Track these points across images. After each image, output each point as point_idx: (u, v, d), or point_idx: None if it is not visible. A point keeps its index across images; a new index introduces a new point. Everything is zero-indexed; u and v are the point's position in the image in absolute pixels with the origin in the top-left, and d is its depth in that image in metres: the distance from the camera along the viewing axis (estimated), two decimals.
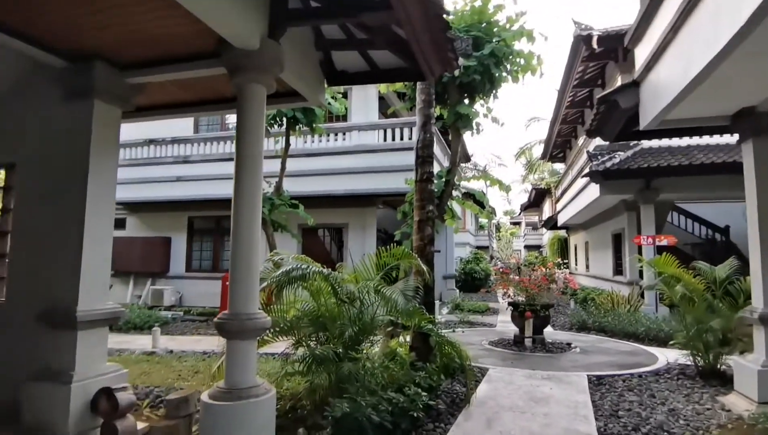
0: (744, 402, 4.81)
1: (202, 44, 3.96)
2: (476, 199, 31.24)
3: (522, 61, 7.64)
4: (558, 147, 24.68)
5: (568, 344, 8.50)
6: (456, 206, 14.52)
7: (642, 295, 11.44)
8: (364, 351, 5.34)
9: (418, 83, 6.37)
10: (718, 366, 6.21)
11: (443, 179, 7.97)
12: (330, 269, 4.73)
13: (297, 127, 9.44)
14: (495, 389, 5.69)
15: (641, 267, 11.80)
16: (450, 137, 8.30)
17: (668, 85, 4.88)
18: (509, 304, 8.63)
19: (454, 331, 10.12)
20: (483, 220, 39.69)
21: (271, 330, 4.80)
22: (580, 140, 17.40)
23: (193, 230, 14.55)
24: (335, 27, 4.65)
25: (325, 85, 5.27)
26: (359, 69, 5.21)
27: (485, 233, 41.55)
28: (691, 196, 12.44)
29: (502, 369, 6.65)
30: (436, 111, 8.40)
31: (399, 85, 8.28)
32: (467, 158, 23.34)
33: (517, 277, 8.69)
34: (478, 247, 35.19)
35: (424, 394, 4.46)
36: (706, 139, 11.06)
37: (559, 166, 29.86)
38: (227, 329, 3.67)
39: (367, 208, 12.73)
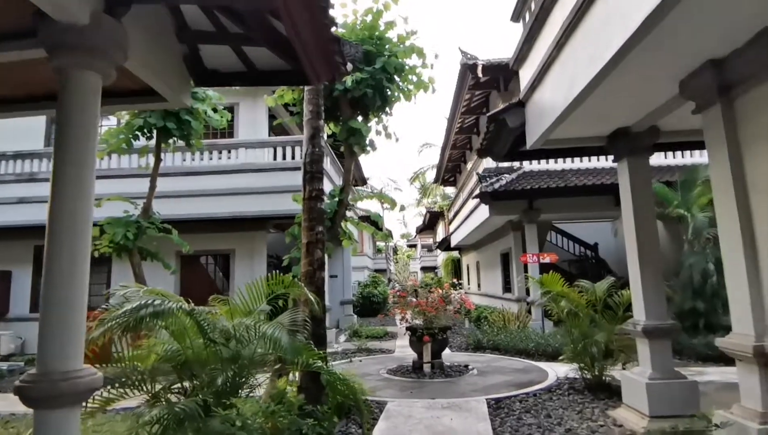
0: (634, 416, 4.88)
1: (12, 19, 3.02)
2: (372, 221, 31.25)
3: (414, 78, 7.55)
4: (449, 171, 25.82)
5: (466, 366, 8.36)
6: (352, 228, 14.11)
7: (529, 311, 11.95)
8: (245, 397, 4.51)
9: (306, 92, 5.85)
10: (604, 378, 6.41)
11: (336, 199, 7.47)
12: (193, 305, 3.87)
13: (171, 140, 8.30)
14: (394, 426, 5.17)
15: (528, 284, 12.39)
16: (343, 155, 7.87)
17: (552, 105, 4.96)
18: (407, 328, 8.29)
19: (351, 361, 9.52)
20: (381, 244, 40.06)
21: (118, 384, 3.81)
22: (469, 164, 18.22)
23: (41, 262, 12.14)
24: (203, 16, 3.95)
25: (191, 85, 4.48)
26: (233, 69, 4.53)
27: (383, 256, 41.93)
28: (566, 216, 13.50)
29: (401, 401, 6.18)
30: (329, 128, 7.96)
31: (288, 98, 7.68)
32: (363, 181, 23.28)
33: (414, 300, 8.41)
34: (376, 271, 35.20)
35: None
36: (577, 164, 12.10)
37: (451, 191, 31.31)
38: (32, 396, 2.66)
39: (257, 232, 11.72)
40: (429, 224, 41.97)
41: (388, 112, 7.74)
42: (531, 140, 5.69)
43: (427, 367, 7.86)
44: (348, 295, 16.32)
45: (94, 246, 8.01)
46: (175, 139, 8.29)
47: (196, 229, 11.58)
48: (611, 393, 6.16)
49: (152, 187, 8.35)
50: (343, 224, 7.76)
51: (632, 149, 5.34)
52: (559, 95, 4.65)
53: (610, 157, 12.07)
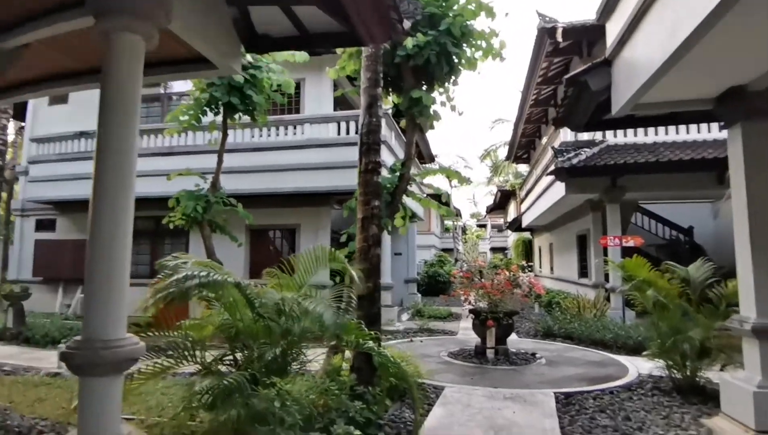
0: (737, 429, 4.15)
1: None
2: (441, 200, 30.76)
3: (483, 44, 6.92)
4: (522, 147, 24.41)
5: (533, 355, 7.80)
6: (413, 204, 13.75)
7: (608, 299, 10.96)
8: (295, 372, 4.43)
9: (364, 59, 5.51)
10: (697, 380, 5.60)
11: (396, 173, 7.14)
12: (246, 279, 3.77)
13: (236, 116, 8.38)
14: (450, 415, 4.85)
15: (607, 269, 11.35)
16: (405, 127, 7.48)
17: (647, 59, 4.19)
18: (470, 311, 7.86)
19: (411, 340, 9.31)
20: (449, 222, 39.33)
21: (172, 354, 3.84)
22: (544, 139, 16.99)
23: None
24: None
25: (242, 51, 4.31)
26: (285, 33, 4.30)
27: (451, 235, 41.20)
28: (656, 196, 12.11)
29: (460, 388, 5.83)
30: (392, 98, 7.58)
31: (350, 69, 7.39)
32: (431, 158, 22.73)
33: (479, 282, 7.93)
34: (443, 250, 34.72)
35: (356, 433, 3.56)
36: (672, 136, 10.71)
37: (524, 169, 29.76)
38: (76, 362, 2.67)
39: (321, 207, 11.76)
40: (500, 204, 40.44)
41: (455, 81, 7.21)
42: (618, 105, 4.91)
43: (490, 353, 7.42)
44: (412, 273, 16.09)
45: (168, 218, 8.43)
46: (240, 114, 8.36)
47: (264, 204, 11.86)
48: (706, 398, 5.36)
49: (219, 162, 8.54)
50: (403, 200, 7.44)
51: (748, 112, 4.41)
52: (657, 46, 3.88)
53: (713, 128, 10.62)
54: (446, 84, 7.25)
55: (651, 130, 10.81)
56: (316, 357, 4.82)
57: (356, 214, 5.35)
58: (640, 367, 6.91)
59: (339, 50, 7.17)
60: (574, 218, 14.53)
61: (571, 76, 5.15)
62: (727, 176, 9.10)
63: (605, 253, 11.69)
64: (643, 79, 4.30)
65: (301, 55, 8.84)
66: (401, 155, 11.93)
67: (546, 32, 11.91)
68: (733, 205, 4.66)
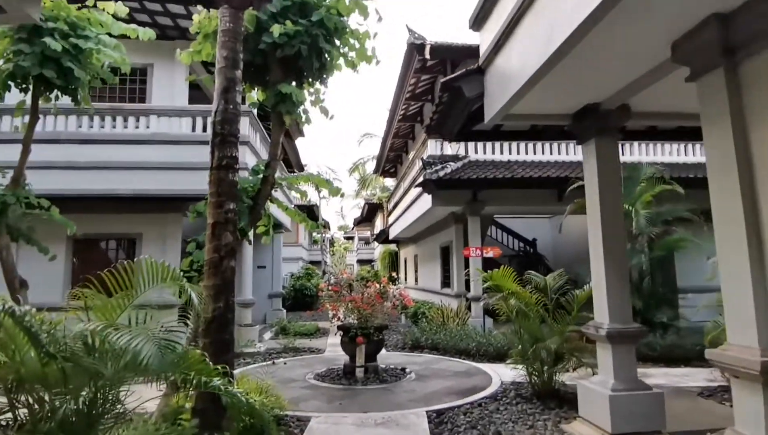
0: (594, 432, 4.26)
1: None
2: (312, 212, 29.86)
3: (356, 44, 6.53)
4: (390, 162, 25.10)
5: (403, 369, 7.55)
6: (281, 214, 12.83)
7: (469, 308, 11.42)
8: (116, 421, 3.35)
9: (220, 33, 4.64)
10: (553, 384, 5.82)
11: (260, 175, 6.30)
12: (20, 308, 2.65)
13: (53, 95, 6.64)
14: None
15: (476, 279, 11.88)
16: (271, 127, 6.70)
17: (519, 68, 4.17)
18: (338, 327, 7.31)
19: (273, 362, 8.39)
20: (317, 235, 38.71)
21: None
22: (411, 154, 17.52)
23: None
24: None
25: None
26: None
27: (320, 247, 40.60)
28: (509, 210, 13.14)
29: (327, 417, 5.20)
30: (256, 95, 6.76)
31: (206, 53, 6.36)
32: (300, 167, 21.96)
33: (348, 295, 7.44)
34: (311, 262, 33.92)
35: None
36: (523, 156, 11.70)
37: (391, 184, 30.64)
38: None
39: (170, 214, 10.16)
40: (367, 216, 41.23)
41: (325, 80, 6.67)
42: (490, 114, 4.89)
43: (360, 372, 6.94)
44: (277, 287, 15.05)
45: None
46: (59, 93, 6.66)
47: (95, 209, 9.84)
48: (561, 401, 5.58)
49: (26, 151, 6.62)
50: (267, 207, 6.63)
51: (601, 129, 4.70)
52: (531, 53, 3.85)
53: (555, 151, 11.85)
54: (316, 82, 6.69)
55: (506, 148, 11.70)
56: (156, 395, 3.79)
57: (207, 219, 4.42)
58: (502, 374, 7.09)
59: (193, 29, 6.16)
60: (439, 230, 15.10)
61: (446, 80, 5.01)
62: (566, 194, 10.15)
63: (466, 264, 12.24)
64: (514, 88, 4.27)
65: (146, 32, 7.45)
66: (261, 152, 10.98)
67: (415, 48, 12.19)
68: (588, 216, 4.90)
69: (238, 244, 5.83)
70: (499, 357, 8.30)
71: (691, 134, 5.85)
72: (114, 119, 9.64)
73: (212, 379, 3.31)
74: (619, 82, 4.31)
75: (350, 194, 44.03)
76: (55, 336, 2.95)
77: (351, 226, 54.95)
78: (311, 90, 6.67)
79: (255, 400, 4.03)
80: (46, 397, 3.03)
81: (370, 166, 33.71)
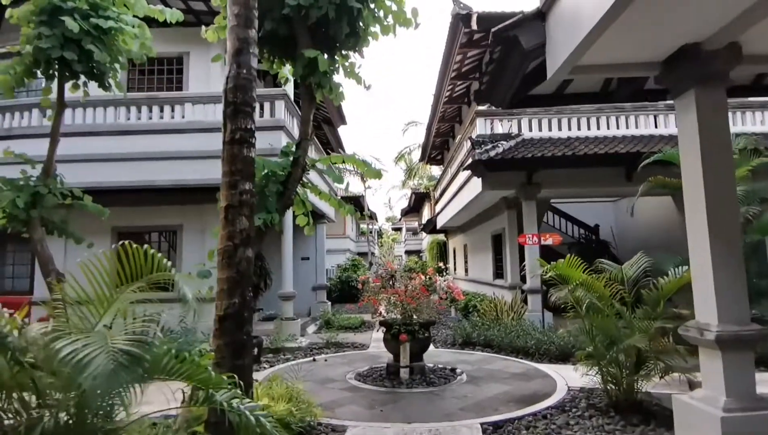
0: None
1: None
2: (356, 203, 29.57)
3: (393, 6, 5.76)
4: (436, 148, 24.12)
5: (453, 370, 6.79)
6: (322, 204, 12.31)
7: (525, 301, 10.42)
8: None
9: None
10: (636, 395, 4.86)
11: (289, 157, 5.72)
12: None
13: (80, 83, 6.38)
14: None
15: (523, 268, 10.85)
16: (301, 102, 6.11)
17: (591, 5, 3.26)
18: (380, 323, 6.66)
19: (314, 359, 7.91)
20: (364, 226, 38.41)
21: None
22: (458, 138, 16.50)
23: None
24: None
25: None
26: None
27: (368, 239, 40.30)
28: (568, 193, 11.92)
29: (366, 427, 4.55)
30: (288, 70, 6.18)
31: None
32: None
33: (390, 288, 6.76)
34: (359, 254, 33.66)
35: None
36: (584, 132, 10.48)
37: (437, 173, 29.63)
38: None
39: (208, 204, 9.86)
40: (414, 206, 40.44)
41: (360, 48, 5.97)
42: (554, 66, 3.99)
43: (404, 373, 6.25)
44: (321, 279, 14.64)
45: None
46: (86, 79, 6.39)
47: (135, 201, 9.76)
48: (646, 416, 4.63)
49: (53, 141, 6.45)
50: (301, 192, 6.05)
51: (703, 76, 3.68)
52: None
53: (623, 124, 10.53)
54: (350, 52, 6.00)
55: (565, 124, 10.53)
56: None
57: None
58: (567, 378, 6.18)
59: (216, 1, 5.68)
60: (489, 218, 14.09)
61: (498, 29, 4.14)
62: (638, 171, 8.92)
63: (521, 253, 11.22)
64: (585, 30, 3.37)
65: (174, 14, 7.09)
66: (293, 131, 10.35)
67: (460, 19, 11.20)
68: (686, 192, 3.91)
69: (264, 233, 5.28)
70: (562, 357, 7.35)
71: None
72: (150, 109, 9.45)
73: (218, 391, 2.75)
74: (728, 11, 3.29)
75: (397, 185, 43.44)
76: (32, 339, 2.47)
77: (398, 217, 54.32)
78: (346, 63, 6.01)
79: (273, 414, 3.42)
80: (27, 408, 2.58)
81: (416, 155, 32.83)
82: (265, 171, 5.62)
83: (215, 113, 9.39)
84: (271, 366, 7.50)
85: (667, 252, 10.03)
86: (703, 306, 3.68)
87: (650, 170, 8.57)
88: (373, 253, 39.57)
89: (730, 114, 10.46)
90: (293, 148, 5.74)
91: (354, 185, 35.01)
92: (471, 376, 6.57)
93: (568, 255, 5.25)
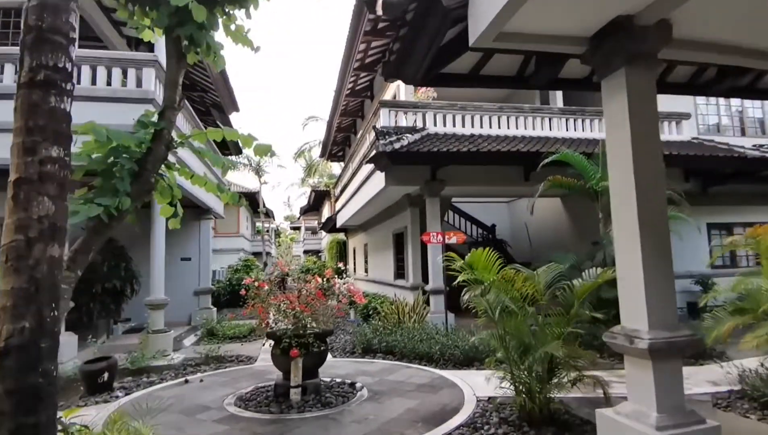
0: None
1: None
2: (251, 200, 27.51)
3: None
4: (337, 144, 23.32)
5: (352, 385, 5.99)
6: (202, 193, 10.73)
7: (428, 302, 10.03)
8: None
9: None
10: (550, 406, 4.48)
11: (150, 130, 4.44)
12: None
13: None
14: None
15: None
16: (166, 59, 4.83)
17: None
18: (267, 335, 5.62)
19: (187, 381, 6.59)
20: (259, 225, 36.24)
21: None
22: (360, 133, 15.85)
23: None
24: None
25: None
26: None
27: (267, 238, 38.10)
28: (471, 191, 11.85)
29: None
30: (144, 20, 4.84)
31: None
32: (238, 150, 19.69)
33: (280, 293, 5.74)
34: (255, 254, 31.55)
35: None
36: (486, 130, 10.41)
37: (338, 171, 28.84)
38: None
39: None
40: (314, 205, 39.22)
41: (247, 3, 4.88)
42: (477, 31, 3.37)
43: (295, 393, 5.29)
44: (205, 282, 12.95)
45: None
46: None
47: None
48: (561, 428, 4.26)
49: None
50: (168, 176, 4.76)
51: (634, 54, 3.31)
52: None
53: (522, 125, 10.66)
54: (234, 8, 4.88)
55: (468, 121, 10.36)
56: None
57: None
58: (475, 386, 5.72)
59: None
60: (391, 216, 13.62)
61: None
62: (537, 170, 8.96)
63: (423, 252, 10.86)
64: None
65: None
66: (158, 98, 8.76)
67: (365, 3, 10.47)
68: (613, 183, 3.53)
69: (107, 226, 3.99)
70: (467, 362, 6.96)
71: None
72: None
73: None
74: None
75: (296, 182, 41.89)
76: None
77: (297, 215, 52.57)
78: (231, 25, 4.88)
79: None
80: None
81: (316, 152, 31.70)
82: (114, 143, 4.28)
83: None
84: (127, 394, 6.03)
85: (559, 250, 10.42)
86: (631, 310, 3.31)
87: (546, 171, 8.67)
88: (269, 253, 37.53)
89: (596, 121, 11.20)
90: (154, 118, 4.48)
91: (249, 181, 32.75)
92: (372, 390, 5.82)
93: (480, 249, 4.72)
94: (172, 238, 12.52)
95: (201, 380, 6.64)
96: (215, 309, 13.02)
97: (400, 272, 13.00)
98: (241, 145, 4.71)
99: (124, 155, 4.21)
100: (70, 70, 2.65)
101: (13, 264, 2.32)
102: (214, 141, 13.11)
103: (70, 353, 7.67)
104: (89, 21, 9.05)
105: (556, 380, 4.53)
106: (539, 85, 4.82)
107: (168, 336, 8.25)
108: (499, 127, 10.45)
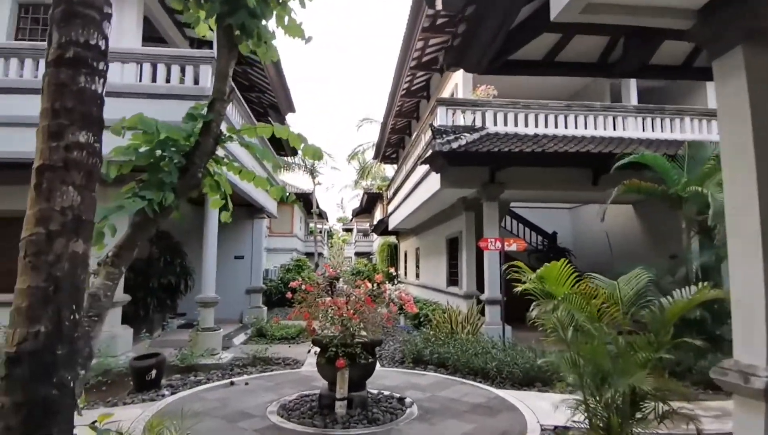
0: None
1: None
2: (304, 199, 27.75)
3: None
4: (391, 146, 23.06)
5: (401, 400, 5.56)
6: (261, 195, 10.72)
7: (482, 312, 9.41)
8: None
9: None
10: None
11: (197, 123, 4.25)
12: None
13: None
14: None
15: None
16: (216, 49, 4.65)
17: None
18: (313, 342, 5.31)
19: (232, 383, 6.44)
20: (312, 225, 36.72)
21: None
22: (415, 134, 15.43)
23: None
24: None
25: None
26: None
27: (321, 239, 38.59)
28: (532, 195, 11.10)
29: None
30: (199, 13, 4.70)
31: None
32: (293, 151, 19.90)
33: (328, 298, 5.42)
34: (307, 254, 31.95)
35: None
36: (552, 130, 9.64)
37: (391, 174, 28.60)
38: None
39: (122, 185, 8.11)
40: (366, 207, 39.29)
41: None
42: (563, 1, 2.85)
43: (341, 407, 4.94)
44: (257, 281, 13.01)
45: None
46: None
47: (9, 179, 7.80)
48: None
49: None
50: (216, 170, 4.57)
51: (752, 28, 2.66)
52: None
53: (591, 124, 9.81)
54: None
55: (532, 120, 9.65)
56: None
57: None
58: (537, 410, 5.12)
59: None
60: (445, 220, 13.08)
61: None
62: (603, 178, 8.13)
63: (480, 258, 10.24)
64: None
65: None
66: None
67: None
68: (728, 185, 2.86)
69: (152, 221, 3.82)
70: (527, 382, 6.33)
71: None
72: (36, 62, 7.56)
73: None
74: None
75: (349, 184, 42.17)
76: None
77: (350, 217, 52.96)
78: (285, 16, 4.65)
79: None
80: None
81: (370, 155, 31.65)
82: (162, 135, 4.12)
83: (134, 75, 7.64)
84: (173, 393, 5.95)
85: (630, 263, 9.45)
86: (747, 341, 2.64)
87: (619, 175, 7.82)
88: (320, 254, 37.94)
89: (696, 121, 10.05)
90: (203, 111, 4.29)
91: (303, 182, 33.22)
92: (423, 408, 5.36)
93: (555, 261, 4.14)
94: (226, 236, 12.70)
95: (246, 383, 6.47)
96: (266, 308, 13.05)
97: (453, 279, 12.42)
98: (291, 143, 4.40)
99: (172, 148, 4.02)
100: (103, 48, 2.42)
101: (31, 260, 2.10)
102: (270, 141, 13.19)
103: (125, 347, 7.80)
104: (153, 21, 9.29)
105: (639, 415, 3.86)
106: (626, 71, 4.18)
107: (217, 334, 8.22)
108: (566, 127, 9.65)
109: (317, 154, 4.74)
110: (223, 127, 3.67)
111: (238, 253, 12.75)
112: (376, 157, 26.04)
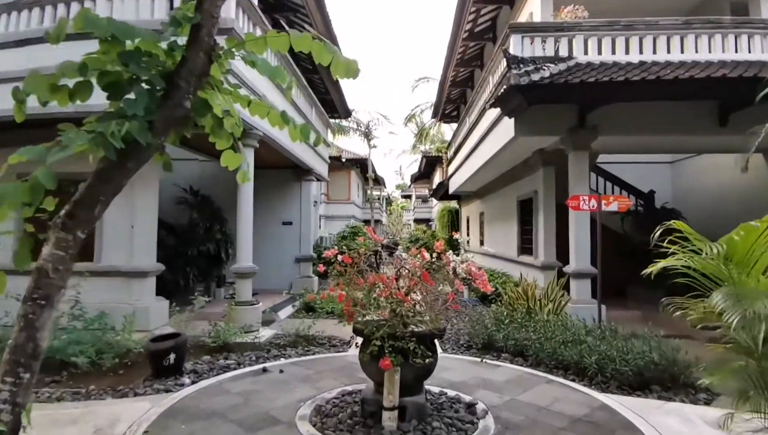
0: None
1: None
2: (360, 164, 26.55)
3: None
4: (451, 102, 21.01)
5: (471, 407, 4.20)
6: (282, 134, 9.38)
7: (566, 287, 7.71)
8: None
9: None
10: None
11: (186, 27, 2.91)
12: None
13: None
14: None
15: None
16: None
17: None
18: (354, 331, 4.03)
19: (265, 370, 5.40)
20: (369, 192, 35.72)
21: None
22: (482, 77, 13.44)
23: None
24: None
25: None
26: None
27: (378, 205, 37.66)
28: (632, 144, 8.93)
29: None
30: None
31: None
32: (347, 113, 18.57)
33: (372, 274, 4.10)
34: (365, 222, 31.09)
35: None
36: (663, 55, 7.46)
37: (450, 136, 26.56)
38: None
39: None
40: (425, 172, 37.51)
41: None
42: None
43: (390, 419, 3.66)
44: (306, 249, 12.04)
45: None
46: None
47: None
48: None
49: None
50: (219, 102, 3.25)
51: None
52: None
53: (719, 46, 7.53)
54: None
55: (635, 45, 7.51)
56: None
57: None
58: (667, 432, 3.56)
59: None
60: (516, 178, 11.27)
61: None
62: (731, 117, 6.00)
63: (559, 220, 8.48)
64: None
65: None
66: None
67: None
68: None
69: (116, 165, 2.60)
70: (642, 385, 4.73)
71: None
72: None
73: None
74: None
75: (407, 149, 40.46)
76: None
77: (408, 183, 51.48)
78: None
79: None
80: None
81: (428, 116, 29.68)
82: (128, 46, 2.84)
83: (149, 9, 6.56)
84: (194, 382, 4.99)
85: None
86: None
87: (759, 112, 5.71)
88: (378, 221, 37.00)
89: None
90: (186, 10, 2.93)
91: (359, 147, 32.04)
92: (501, 420, 3.97)
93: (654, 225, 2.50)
94: (273, 200, 11.76)
95: (281, 371, 5.39)
96: (317, 278, 12.11)
97: (525, 247, 10.71)
98: (315, 59, 2.94)
99: (142, 65, 2.68)
100: None
101: None
102: (315, 93, 11.80)
103: (160, 320, 7.06)
104: None
105: None
106: None
107: (255, 309, 7.25)
108: (682, 52, 7.42)
109: (351, 68, 3.16)
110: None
111: (285, 218, 11.80)
112: (434, 115, 24.12)
